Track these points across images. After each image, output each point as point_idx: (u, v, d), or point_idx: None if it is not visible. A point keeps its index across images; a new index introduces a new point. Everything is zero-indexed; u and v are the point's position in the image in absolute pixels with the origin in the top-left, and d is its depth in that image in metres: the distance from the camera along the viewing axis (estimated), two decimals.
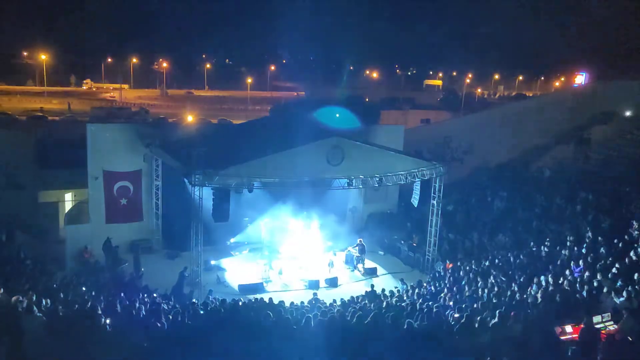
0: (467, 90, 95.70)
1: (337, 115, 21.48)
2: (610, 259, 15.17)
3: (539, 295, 13.60)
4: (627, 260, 14.75)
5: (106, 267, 20.38)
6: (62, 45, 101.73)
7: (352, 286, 21.08)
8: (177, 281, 18.48)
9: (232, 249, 23.64)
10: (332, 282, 21.11)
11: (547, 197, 24.10)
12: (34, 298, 11.06)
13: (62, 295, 14.09)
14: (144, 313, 12.33)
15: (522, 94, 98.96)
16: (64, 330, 10.19)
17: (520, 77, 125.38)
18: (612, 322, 11.46)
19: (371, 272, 22.35)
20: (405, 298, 17.22)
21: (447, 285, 17.52)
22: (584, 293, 13.33)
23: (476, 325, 10.72)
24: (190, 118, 58.19)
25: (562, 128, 35.57)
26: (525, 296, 14.13)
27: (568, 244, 17.83)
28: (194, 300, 16.10)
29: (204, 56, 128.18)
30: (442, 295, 16.40)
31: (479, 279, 16.98)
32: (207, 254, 20.86)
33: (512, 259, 18.25)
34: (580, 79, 52.65)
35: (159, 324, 10.92)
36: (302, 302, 17.12)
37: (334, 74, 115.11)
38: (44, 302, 11.65)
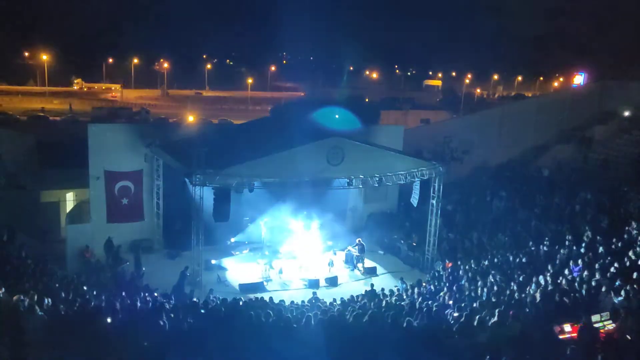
0: (467, 91, 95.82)
1: (337, 116, 21.53)
2: (609, 258, 15.23)
3: (538, 295, 13.65)
4: (626, 259, 14.82)
5: (107, 267, 20.44)
6: (63, 46, 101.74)
7: (352, 285, 21.15)
8: (178, 280, 18.54)
9: (232, 249, 23.68)
10: (332, 282, 21.18)
11: (546, 196, 24.16)
12: (36, 297, 11.11)
13: (63, 295, 14.14)
14: (145, 312, 12.39)
15: (521, 94, 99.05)
16: (65, 330, 10.25)
17: (520, 78, 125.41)
18: (610, 322, 11.51)
19: (371, 272, 22.42)
20: (404, 297, 17.29)
21: (447, 285, 17.58)
22: (583, 292, 13.39)
23: (475, 324, 10.77)
24: (191, 118, 58.27)
25: (561, 128, 35.65)
26: (524, 295, 14.19)
27: (567, 243, 17.89)
28: (194, 299, 16.17)
29: (204, 56, 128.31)
30: (441, 294, 16.46)
31: (478, 278, 17.05)
32: (207, 253, 20.93)
33: (511, 259, 18.32)
34: (579, 79, 52.57)
35: (160, 323, 10.97)
36: (302, 301, 17.20)
37: (334, 74, 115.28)
38: (45, 302, 11.70)
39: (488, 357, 9.22)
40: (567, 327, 11.09)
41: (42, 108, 68.12)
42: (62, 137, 37.74)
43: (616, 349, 9.86)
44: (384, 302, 15.95)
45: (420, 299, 16.08)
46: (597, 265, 14.96)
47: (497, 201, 25.33)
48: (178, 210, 22.78)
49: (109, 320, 11.01)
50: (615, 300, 12.42)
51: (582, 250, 16.76)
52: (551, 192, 24.64)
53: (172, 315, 11.96)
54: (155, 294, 16.45)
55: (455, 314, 12.87)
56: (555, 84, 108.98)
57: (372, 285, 18.77)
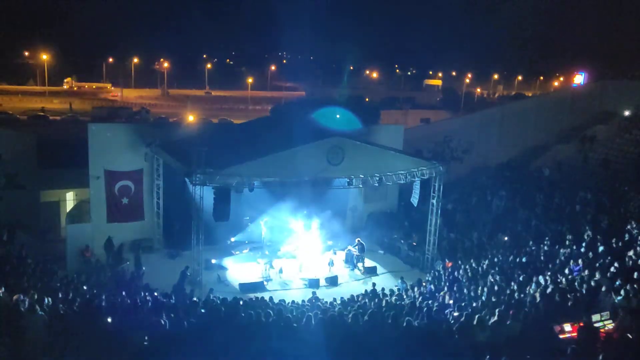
0: (467, 90, 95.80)
1: (338, 116, 21.54)
2: (609, 257, 15.23)
3: (538, 294, 13.64)
4: (626, 259, 14.82)
5: (107, 266, 20.46)
6: (62, 46, 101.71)
7: (352, 285, 21.16)
8: (179, 280, 18.55)
9: (232, 248, 23.69)
10: (332, 281, 21.18)
11: (546, 196, 24.16)
12: (36, 297, 11.11)
13: (63, 295, 14.14)
14: (145, 312, 12.39)
15: (521, 94, 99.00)
16: (65, 329, 10.25)
17: (520, 77, 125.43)
18: (610, 321, 11.51)
19: (371, 271, 22.42)
20: (404, 297, 17.29)
21: (447, 284, 17.57)
22: (583, 292, 13.38)
23: (475, 324, 10.76)
24: (191, 118, 58.29)
25: (561, 128, 35.70)
26: (524, 295, 14.19)
27: (567, 243, 17.89)
28: (194, 299, 16.17)
29: (204, 56, 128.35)
30: (441, 294, 16.46)
31: (478, 278, 17.05)
32: (207, 253, 20.93)
33: (511, 258, 18.31)
34: (579, 78, 52.63)
35: (160, 323, 10.97)
36: (302, 301, 17.20)
37: (334, 73, 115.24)
38: (45, 301, 11.70)
39: (488, 357, 9.21)
40: (567, 327, 11.08)
41: (42, 108, 68.13)
42: (62, 137, 37.82)
43: (616, 348, 9.86)
44: (384, 302, 15.95)
45: (420, 299, 16.08)
46: (597, 265, 14.96)
47: (497, 201, 25.34)
48: (178, 210, 22.79)
49: (109, 319, 11.01)
50: (616, 300, 12.41)
51: (582, 249, 16.76)
52: (551, 192, 24.64)
53: (173, 314, 11.95)
54: (156, 294, 16.45)
55: (456, 314, 12.87)
56: (556, 83, 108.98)
57: (374, 284, 18.78)
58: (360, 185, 21.64)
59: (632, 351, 9.73)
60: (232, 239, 24.12)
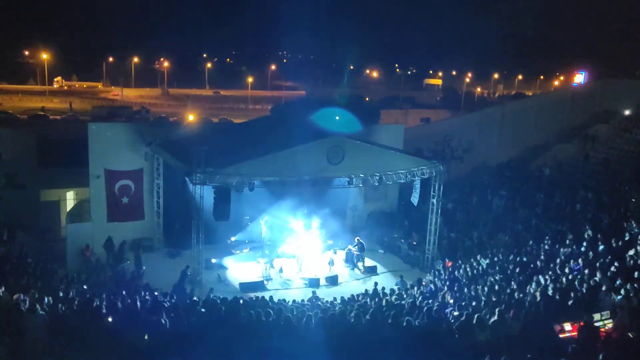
0: (467, 90, 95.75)
1: (337, 117, 21.55)
2: (609, 257, 15.22)
3: (538, 294, 13.65)
4: (626, 258, 14.81)
5: (107, 266, 20.46)
6: (63, 45, 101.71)
7: (352, 284, 21.16)
8: (179, 279, 18.55)
9: (232, 248, 23.68)
10: (333, 281, 21.18)
11: (546, 195, 24.15)
12: (36, 296, 11.11)
13: (63, 294, 14.14)
14: (146, 311, 12.39)
15: (521, 93, 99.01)
16: (65, 329, 10.25)
17: (520, 77, 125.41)
18: (611, 320, 11.51)
19: (371, 271, 22.42)
20: (405, 296, 17.29)
21: (447, 284, 17.57)
22: (584, 291, 13.38)
23: (475, 323, 10.76)
24: (191, 117, 58.28)
25: (561, 127, 35.69)
26: (524, 294, 14.18)
27: (567, 242, 17.88)
28: (195, 298, 16.16)
29: (204, 55, 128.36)
30: (441, 293, 16.46)
31: (478, 278, 17.04)
32: (208, 252, 20.93)
33: (511, 258, 18.31)
34: (579, 78, 52.60)
35: (160, 322, 10.97)
36: (302, 300, 17.20)
37: (334, 73, 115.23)
38: (46, 300, 11.70)
39: (488, 356, 9.21)
40: (567, 326, 11.08)
41: (42, 107, 68.11)
42: (62, 136, 37.82)
43: (616, 347, 9.86)
44: (384, 301, 15.95)
45: (420, 298, 16.08)
46: (597, 264, 14.95)
47: (497, 200, 25.33)
48: (178, 209, 22.79)
49: (109, 319, 11.01)
50: (616, 299, 12.40)
51: (583, 249, 16.75)
52: (551, 191, 24.63)
53: (173, 314, 11.95)
54: (156, 293, 16.45)
55: (456, 313, 12.87)
56: (556, 83, 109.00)
57: (375, 284, 18.79)
58: (361, 185, 21.64)
59: (632, 350, 9.72)
60: (233, 239, 24.13)
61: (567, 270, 15.46)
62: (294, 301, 16.78)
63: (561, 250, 17.49)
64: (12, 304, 10.58)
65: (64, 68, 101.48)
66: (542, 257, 17.58)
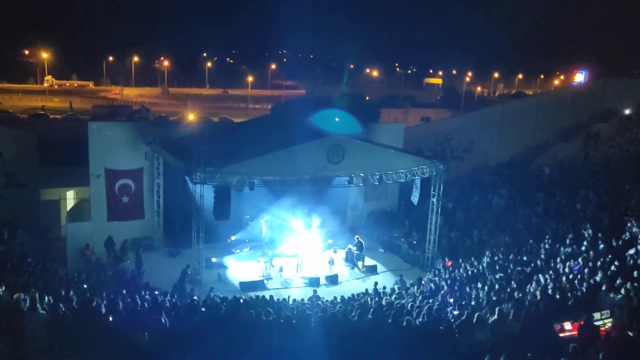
0: (467, 89, 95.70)
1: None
2: (609, 256, 15.22)
3: (538, 293, 13.65)
4: (626, 257, 14.81)
5: (108, 265, 20.46)
6: (63, 44, 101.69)
7: (352, 284, 21.16)
8: (179, 279, 18.57)
9: (233, 247, 23.69)
10: (333, 280, 21.19)
11: (547, 195, 24.14)
12: (37, 296, 11.11)
13: (63, 293, 14.14)
14: (146, 310, 12.40)
15: (521, 92, 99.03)
16: (65, 328, 10.25)
17: (520, 76, 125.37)
18: (611, 320, 11.52)
19: (371, 270, 22.42)
20: (404, 295, 17.29)
21: (447, 283, 17.58)
22: (584, 290, 13.38)
23: (475, 322, 10.77)
24: (191, 116, 58.31)
25: (562, 126, 35.66)
26: (524, 294, 14.19)
27: (568, 241, 17.88)
28: (195, 297, 16.17)
29: (204, 55, 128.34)
30: (441, 292, 16.46)
31: (478, 277, 17.04)
32: (208, 251, 20.93)
33: (511, 257, 18.31)
34: (579, 77, 52.63)
35: (161, 321, 10.97)
36: (302, 299, 17.21)
37: (334, 72, 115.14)
38: (46, 300, 11.71)
39: (488, 355, 9.22)
40: (567, 325, 11.10)
41: (42, 106, 68.12)
42: (62, 135, 37.82)
43: (615, 347, 9.86)
44: (384, 301, 15.94)
45: (420, 297, 16.08)
46: (597, 264, 14.95)
47: (497, 199, 25.33)
48: (178, 209, 22.80)
49: (109, 318, 11.01)
50: (616, 299, 12.41)
51: (583, 248, 16.75)
52: (552, 190, 24.62)
53: (173, 313, 11.96)
54: (156, 292, 16.47)
55: (456, 312, 12.88)
56: (556, 82, 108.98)
57: (375, 283, 18.80)
58: (361, 184, 21.63)
59: (631, 350, 9.73)
60: (233, 238, 24.13)
61: (567, 269, 15.47)
62: (294, 300, 16.78)
63: (561, 249, 17.49)
64: (12, 303, 10.58)
65: (64, 67, 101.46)
66: (542, 256, 17.58)
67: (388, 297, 16.64)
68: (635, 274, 13.26)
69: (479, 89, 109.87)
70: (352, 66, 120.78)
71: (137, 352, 9.84)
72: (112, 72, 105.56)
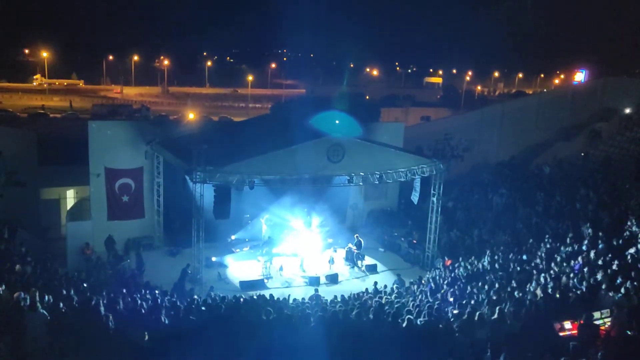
0: (467, 88, 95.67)
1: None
2: (609, 255, 15.22)
3: (538, 292, 13.65)
4: (627, 256, 14.80)
5: (108, 264, 20.47)
6: (63, 43, 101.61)
7: (353, 283, 21.17)
8: (179, 278, 18.57)
9: (233, 246, 23.69)
10: (333, 279, 21.20)
11: (547, 194, 24.14)
12: (37, 295, 11.11)
13: (64, 292, 14.14)
14: (146, 309, 12.40)
15: (522, 92, 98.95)
16: (65, 327, 10.25)
17: (520, 75, 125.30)
18: (610, 319, 11.51)
19: (371, 269, 22.43)
20: (404, 294, 17.30)
21: (447, 282, 17.58)
22: (584, 289, 13.38)
23: (475, 321, 10.77)
24: (191, 116, 58.33)
25: (562, 125, 35.66)
26: (524, 293, 14.18)
27: (568, 240, 17.88)
28: (195, 296, 16.17)
29: (204, 54, 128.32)
30: (442, 291, 16.46)
31: (478, 276, 17.04)
32: (208, 251, 20.95)
33: (511, 256, 18.31)
34: (580, 76, 52.58)
35: (161, 320, 10.98)
36: (302, 299, 17.22)
37: (334, 71, 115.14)
38: (46, 298, 11.70)
39: (488, 354, 9.22)
40: (568, 325, 11.09)
41: (42, 105, 68.10)
42: (62, 135, 37.85)
43: (615, 346, 9.86)
44: (384, 300, 15.95)
45: (420, 296, 16.09)
46: (597, 263, 14.95)
47: (497, 198, 25.33)
48: (178, 208, 22.82)
49: (109, 317, 11.00)
50: (616, 297, 12.40)
51: (584, 247, 16.74)
52: (552, 190, 24.62)
53: (173, 312, 11.96)
54: (156, 291, 16.47)
55: (456, 311, 12.88)
56: (556, 81, 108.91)
57: (375, 283, 18.80)
58: (361, 183, 21.64)
59: (631, 348, 9.73)
60: (233, 237, 24.12)
61: (567, 268, 15.47)
62: (294, 300, 16.79)
63: (561, 248, 17.50)
64: (12, 302, 10.57)
65: (64, 66, 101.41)
66: (542, 255, 17.59)
67: (388, 297, 16.65)
68: (632, 274, 13.26)
69: (479, 88, 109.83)
70: (352, 65, 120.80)
71: (137, 351, 9.84)
72: (112, 71, 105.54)
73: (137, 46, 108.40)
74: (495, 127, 34.29)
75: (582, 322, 10.72)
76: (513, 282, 15.42)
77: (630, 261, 14.47)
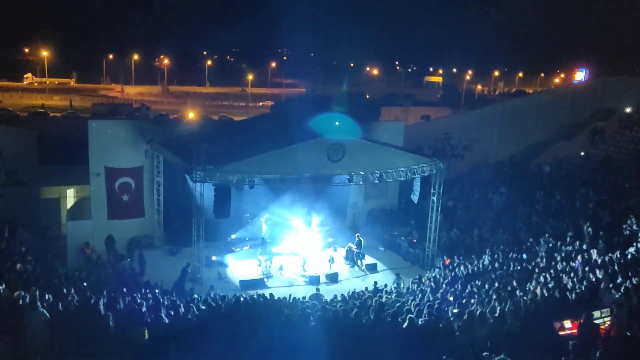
0: (467, 87, 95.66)
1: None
2: (609, 254, 15.22)
3: (538, 291, 13.65)
4: (627, 255, 14.80)
5: (108, 263, 20.47)
6: (63, 42, 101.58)
7: (353, 282, 21.17)
8: (179, 277, 18.57)
9: (233, 245, 23.70)
10: (333, 278, 21.20)
11: (547, 193, 24.15)
12: (37, 294, 11.11)
13: (64, 291, 14.14)
14: (146, 309, 12.40)
15: (522, 91, 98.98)
16: (66, 326, 10.25)
17: (520, 74, 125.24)
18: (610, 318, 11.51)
19: (371, 268, 22.43)
20: (404, 293, 17.30)
21: (447, 281, 17.58)
22: (583, 288, 13.38)
23: (475, 320, 10.77)
24: (191, 115, 58.33)
25: (562, 124, 35.67)
26: (524, 292, 14.19)
27: (568, 239, 17.89)
28: (195, 295, 16.19)
29: (205, 53, 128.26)
30: (441, 290, 16.46)
31: (478, 275, 17.04)
32: (208, 250, 20.95)
33: (511, 255, 18.31)
34: (580, 75, 52.55)
35: (160, 319, 10.97)
36: (303, 298, 17.22)
37: (334, 70, 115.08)
38: (46, 297, 11.71)
39: (488, 353, 9.21)
40: (567, 324, 11.08)
41: (42, 104, 68.08)
42: (62, 134, 37.82)
43: (615, 345, 9.85)
44: (384, 299, 15.96)
45: (420, 296, 16.09)
46: (597, 261, 14.96)
47: (497, 197, 25.33)
48: (178, 207, 22.80)
49: (110, 316, 11.01)
50: (616, 296, 12.39)
51: (584, 246, 16.75)
52: (552, 189, 24.63)
53: (173, 311, 11.96)
54: (156, 290, 16.47)
55: (456, 311, 12.88)
56: (556, 80, 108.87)
57: (375, 282, 18.80)
58: (361, 182, 21.63)
59: (630, 347, 9.72)
60: (233, 236, 24.13)
61: (567, 267, 15.47)
62: (294, 299, 16.79)
63: (561, 247, 17.50)
64: (13, 301, 10.58)
65: (65, 65, 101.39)
66: (542, 254, 17.60)
67: (388, 296, 16.66)
68: (630, 273, 13.25)
69: (479, 87, 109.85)
70: (352, 64, 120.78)
71: (137, 350, 9.84)
72: (112, 70, 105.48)
73: (137, 45, 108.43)
74: (496, 126, 34.29)
75: (582, 321, 10.71)
76: (513, 281, 15.43)
77: (630, 260, 14.47)
